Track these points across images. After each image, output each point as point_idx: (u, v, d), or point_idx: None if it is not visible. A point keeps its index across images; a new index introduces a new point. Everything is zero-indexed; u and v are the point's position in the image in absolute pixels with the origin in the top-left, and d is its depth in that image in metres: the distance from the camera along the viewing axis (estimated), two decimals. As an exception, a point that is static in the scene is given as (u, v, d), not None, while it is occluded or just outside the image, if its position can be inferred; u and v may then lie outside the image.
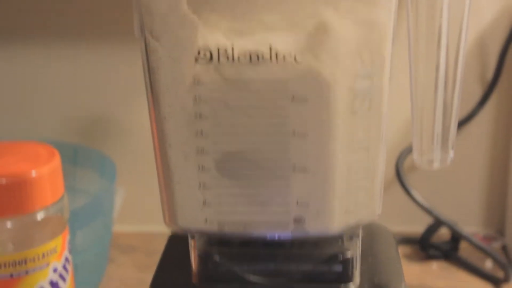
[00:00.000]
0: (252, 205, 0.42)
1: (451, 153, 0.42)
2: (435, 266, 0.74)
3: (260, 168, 0.41)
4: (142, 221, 0.80)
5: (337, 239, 0.47)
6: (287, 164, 0.41)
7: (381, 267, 0.47)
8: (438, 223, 0.74)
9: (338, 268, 0.45)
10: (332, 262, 0.45)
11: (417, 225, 0.76)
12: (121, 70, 0.76)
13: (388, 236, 0.51)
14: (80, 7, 0.75)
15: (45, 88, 0.78)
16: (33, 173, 0.50)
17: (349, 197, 0.42)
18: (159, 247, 0.75)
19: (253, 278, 0.45)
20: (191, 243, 0.45)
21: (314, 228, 0.42)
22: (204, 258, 0.45)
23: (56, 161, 0.52)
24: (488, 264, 0.74)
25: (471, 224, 0.79)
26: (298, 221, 0.42)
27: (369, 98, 0.41)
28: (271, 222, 0.42)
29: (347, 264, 0.45)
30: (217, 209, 0.42)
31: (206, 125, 0.41)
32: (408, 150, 0.73)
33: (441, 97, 0.40)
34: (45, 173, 0.51)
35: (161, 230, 0.76)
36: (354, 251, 0.45)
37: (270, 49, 0.39)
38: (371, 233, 0.50)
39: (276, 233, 0.43)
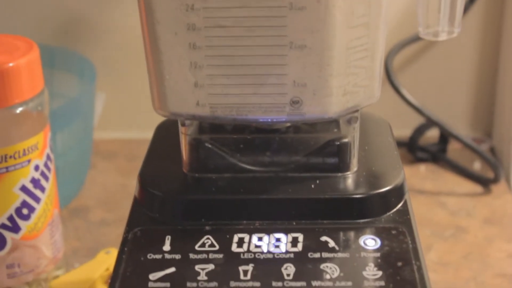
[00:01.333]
0: (246, 87, 0.40)
1: (458, 28, 0.40)
2: (423, 168, 0.73)
3: (255, 46, 0.39)
4: (123, 127, 0.78)
5: (334, 125, 0.45)
6: (284, 41, 0.39)
7: (378, 156, 0.45)
8: (426, 124, 0.72)
9: (335, 154, 0.43)
10: (329, 149, 0.43)
11: (405, 129, 0.74)
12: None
13: (384, 125, 0.49)
14: None
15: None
16: (10, 65, 0.48)
17: (348, 77, 0.40)
18: (141, 153, 0.73)
19: (246, 166, 0.43)
20: (182, 130, 0.43)
21: (311, 111, 0.40)
22: (195, 145, 0.43)
23: (35, 53, 0.50)
24: (477, 166, 0.73)
25: (459, 127, 0.77)
26: (295, 103, 0.40)
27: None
28: (266, 105, 0.40)
29: (344, 150, 0.43)
30: (209, 91, 0.40)
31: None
32: (398, 48, 0.71)
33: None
34: (23, 65, 0.48)
35: (143, 136, 0.74)
36: (352, 136, 0.43)
37: None
38: (366, 122, 0.48)
39: (271, 117, 0.41)
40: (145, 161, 0.45)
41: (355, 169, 0.43)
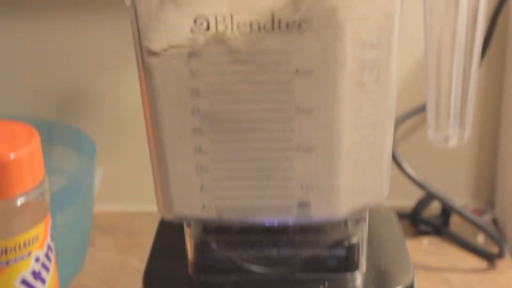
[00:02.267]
0: (253, 189, 0.39)
1: (468, 130, 0.39)
2: (426, 242, 0.72)
3: (262, 149, 0.38)
4: (120, 200, 0.77)
5: (342, 223, 0.44)
6: (291, 143, 0.38)
7: (387, 252, 0.44)
8: (429, 197, 0.72)
9: (343, 255, 0.42)
10: (337, 249, 0.42)
11: (407, 200, 0.74)
12: (95, 40, 0.72)
13: (390, 215, 0.48)
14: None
15: (13, 61, 0.73)
16: (11, 156, 0.47)
17: (356, 178, 0.39)
18: (140, 226, 0.72)
19: (253, 267, 0.42)
20: (187, 231, 0.42)
21: (319, 213, 0.39)
22: (200, 247, 0.42)
23: (36, 142, 0.49)
24: (480, 239, 0.72)
25: (461, 197, 0.77)
26: (303, 206, 0.39)
27: (377, 69, 0.38)
28: (273, 207, 0.39)
29: (353, 250, 0.42)
30: (215, 194, 0.39)
31: (203, 102, 0.37)
32: (399, 121, 0.70)
33: (459, 64, 0.37)
34: (24, 155, 0.47)
35: (141, 209, 0.73)
36: (360, 236, 0.42)
37: (273, 16, 0.36)
38: (372, 213, 0.48)
39: (279, 219, 0.40)
40: (150, 259, 0.44)
41: (363, 267, 0.43)
